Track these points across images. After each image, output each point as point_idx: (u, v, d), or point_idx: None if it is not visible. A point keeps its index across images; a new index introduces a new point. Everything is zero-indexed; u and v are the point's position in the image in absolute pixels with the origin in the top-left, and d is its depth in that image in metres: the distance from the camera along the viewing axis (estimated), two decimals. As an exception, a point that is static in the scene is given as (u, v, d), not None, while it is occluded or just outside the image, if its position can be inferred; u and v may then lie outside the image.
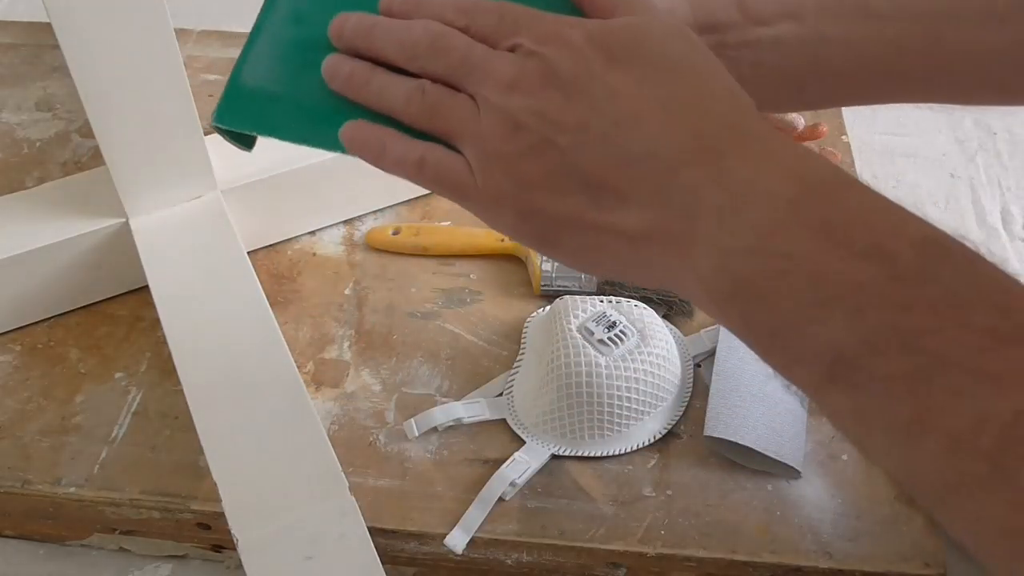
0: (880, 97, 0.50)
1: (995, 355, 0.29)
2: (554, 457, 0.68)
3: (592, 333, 0.67)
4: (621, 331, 0.68)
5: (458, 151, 0.41)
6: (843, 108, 0.94)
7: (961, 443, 0.29)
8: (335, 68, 0.44)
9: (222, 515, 0.59)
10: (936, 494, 0.31)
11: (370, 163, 0.43)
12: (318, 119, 0.44)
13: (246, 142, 0.46)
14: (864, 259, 0.32)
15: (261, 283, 0.71)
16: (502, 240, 0.80)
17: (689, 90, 0.37)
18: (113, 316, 0.78)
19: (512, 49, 0.40)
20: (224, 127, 0.45)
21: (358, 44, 0.43)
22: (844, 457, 0.68)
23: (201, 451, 0.62)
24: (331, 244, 0.83)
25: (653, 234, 0.36)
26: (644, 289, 0.75)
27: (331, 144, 0.44)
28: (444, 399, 0.71)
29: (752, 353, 0.73)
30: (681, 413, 0.70)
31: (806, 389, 0.34)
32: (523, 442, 0.68)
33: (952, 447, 0.29)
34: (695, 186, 0.35)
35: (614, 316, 0.69)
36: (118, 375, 0.74)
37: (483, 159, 0.39)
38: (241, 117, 0.45)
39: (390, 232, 0.82)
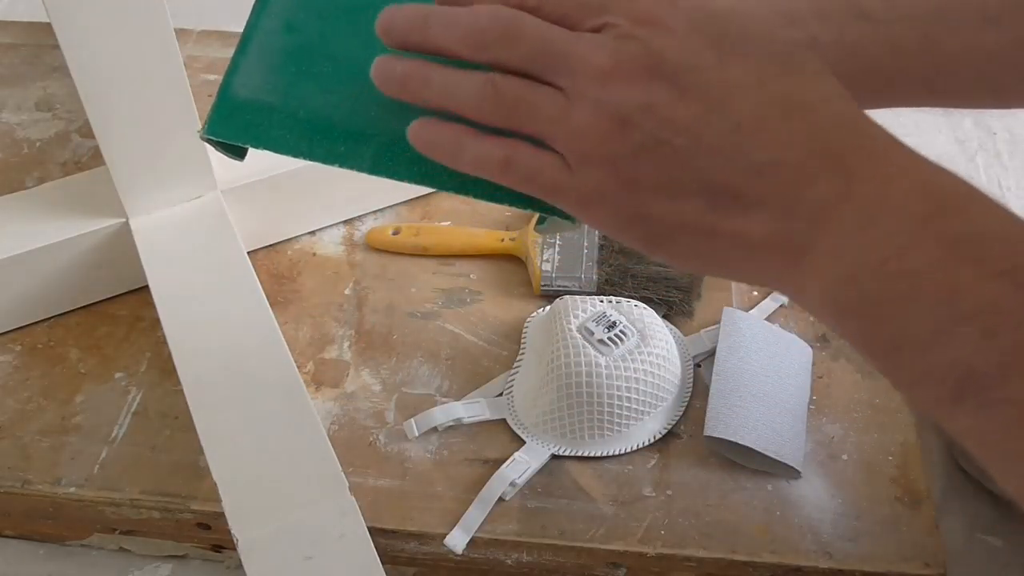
0: (875, 101, 0.49)
1: None
2: (554, 457, 0.68)
3: (592, 333, 0.67)
4: (621, 331, 0.68)
5: (546, 146, 0.37)
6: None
7: None
8: (387, 70, 0.39)
9: (222, 515, 0.59)
10: None
11: (445, 164, 0.39)
12: (316, 132, 0.42)
13: (237, 152, 0.45)
14: (999, 279, 0.30)
15: (261, 283, 0.71)
16: (502, 240, 0.80)
17: (805, 89, 0.34)
18: (113, 316, 0.78)
19: (598, 30, 0.35)
20: (216, 139, 0.43)
21: (412, 38, 0.38)
22: (844, 457, 0.68)
23: (201, 451, 0.62)
24: (331, 244, 0.83)
25: (775, 243, 0.34)
26: (645, 289, 0.75)
27: (330, 157, 0.42)
28: (444, 399, 0.71)
29: (752, 353, 0.73)
30: (681, 413, 0.70)
31: (929, 407, 0.33)
32: (523, 442, 0.68)
33: None
34: (823, 197, 0.33)
35: (614, 316, 0.69)
36: (118, 375, 0.74)
37: (582, 158, 0.35)
38: (234, 129, 0.43)
39: (390, 232, 0.82)
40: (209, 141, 0.44)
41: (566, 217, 0.40)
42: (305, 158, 0.42)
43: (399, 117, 0.40)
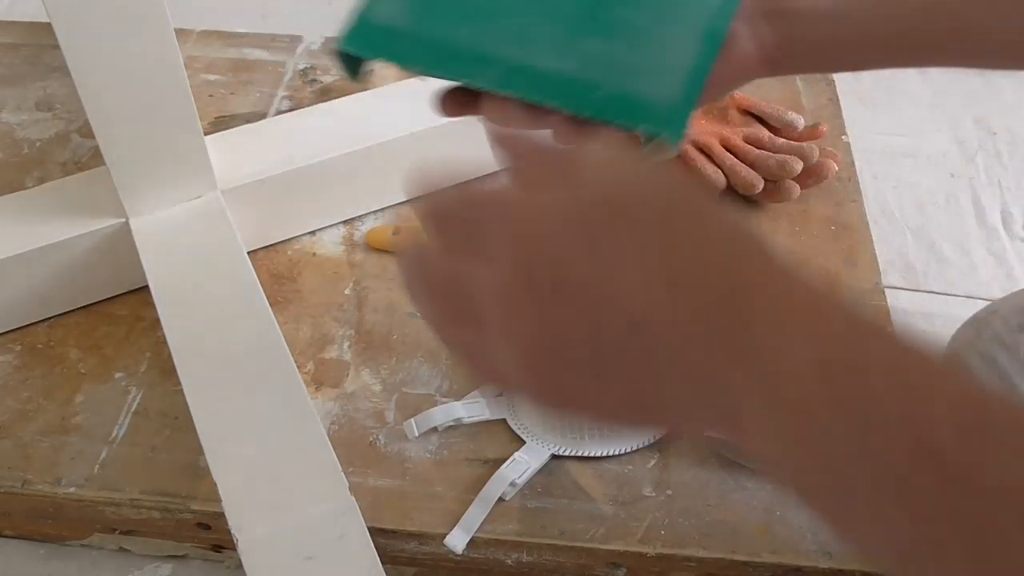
0: (911, 62, 0.52)
1: None
2: (554, 457, 0.68)
3: (592, 333, 0.67)
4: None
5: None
6: (843, 108, 0.94)
7: None
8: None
9: (222, 515, 0.59)
10: None
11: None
12: (446, 50, 0.46)
13: (356, 69, 0.48)
14: (909, 456, 0.29)
15: (261, 283, 0.71)
16: (502, 240, 0.80)
17: (689, 256, 0.32)
18: (113, 316, 0.78)
19: (482, 254, 0.35)
20: (351, 52, 0.46)
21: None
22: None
23: (201, 451, 0.62)
24: (331, 244, 0.83)
25: (704, 425, 0.34)
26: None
27: (458, 74, 0.46)
28: (444, 399, 0.71)
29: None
30: (681, 413, 0.69)
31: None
32: (523, 442, 0.68)
33: None
34: (729, 381, 0.31)
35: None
36: (118, 375, 0.74)
37: (513, 371, 0.35)
38: (369, 44, 0.46)
39: (390, 232, 0.82)
40: (339, 55, 0.47)
41: (668, 130, 0.44)
42: (435, 74, 0.46)
43: (521, 45, 0.46)
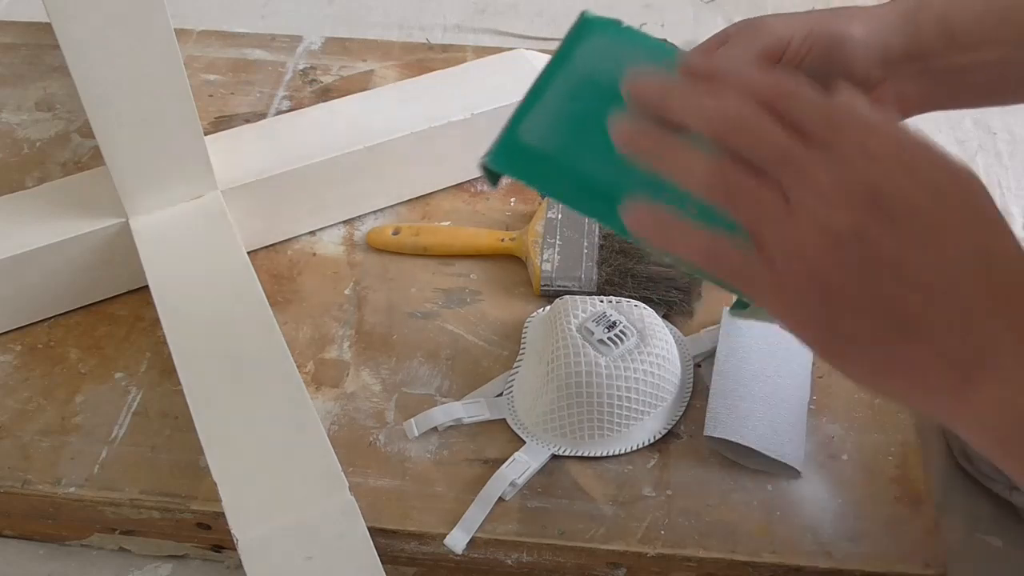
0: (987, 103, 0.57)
1: None
2: (554, 457, 0.68)
3: (592, 333, 0.67)
4: (621, 331, 0.68)
5: (746, 233, 0.40)
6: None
7: None
8: (620, 126, 0.43)
9: (222, 515, 0.59)
10: None
11: (652, 244, 0.42)
12: (583, 187, 0.48)
13: (495, 180, 0.50)
14: None
15: (261, 283, 0.71)
16: (502, 240, 0.80)
17: (994, 242, 0.39)
18: (113, 316, 0.78)
19: (828, 149, 0.39)
20: (495, 170, 0.49)
21: (653, 104, 0.42)
22: (844, 457, 0.68)
23: (201, 451, 0.62)
24: (331, 244, 0.83)
25: (946, 371, 0.38)
26: (645, 289, 0.75)
27: (590, 212, 0.48)
28: (444, 399, 0.71)
29: (752, 353, 0.73)
30: (681, 413, 0.70)
31: None
32: (523, 442, 0.68)
33: None
34: (995, 333, 0.37)
35: (614, 316, 0.69)
36: (118, 375, 0.74)
37: (790, 261, 0.39)
38: (514, 166, 0.49)
39: (390, 232, 0.82)
40: (484, 169, 0.49)
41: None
42: (570, 206, 0.49)
43: (653, 192, 0.44)
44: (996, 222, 0.39)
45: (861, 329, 0.39)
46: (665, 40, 0.54)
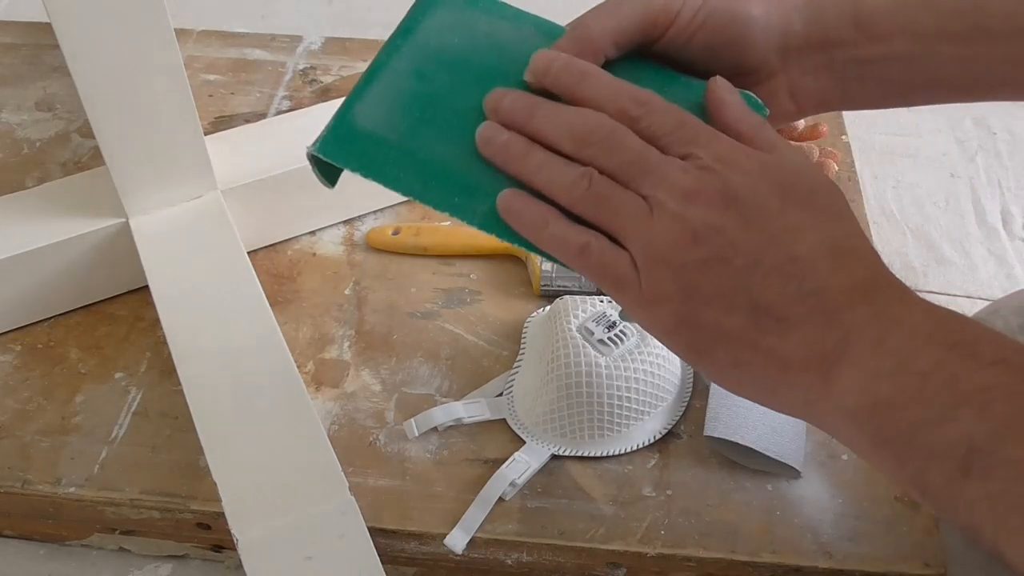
0: (982, 98, 0.53)
1: None
2: (554, 457, 0.68)
3: (592, 333, 0.68)
4: (621, 331, 0.68)
5: (619, 245, 0.42)
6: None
7: None
8: (490, 136, 0.44)
9: (222, 515, 0.59)
10: None
11: (525, 236, 0.43)
12: (431, 176, 0.43)
13: (332, 177, 0.46)
14: (991, 367, 0.37)
15: (261, 283, 0.71)
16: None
17: (847, 237, 0.41)
18: (113, 316, 0.78)
19: (684, 158, 0.41)
20: (325, 159, 0.44)
21: (517, 121, 0.44)
22: (844, 457, 0.68)
23: (201, 451, 0.62)
24: (331, 244, 0.83)
25: (807, 360, 0.40)
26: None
27: (442, 204, 0.43)
28: (444, 399, 0.71)
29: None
30: (681, 413, 0.70)
31: (943, 487, 0.37)
32: (523, 442, 0.68)
33: None
34: (854, 323, 0.39)
35: (614, 316, 0.69)
36: (118, 375, 0.74)
37: (652, 262, 0.40)
38: (347, 154, 0.44)
39: (390, 232, 0.82)
40: (313, 159, 0.44)
41: None
42: (416, 198, 0.43)
43: (514, 182, 0.43)
44: (848, 220, 0.41)
45: (722, 323, 0.40)
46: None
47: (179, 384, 0.65)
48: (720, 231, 0.39)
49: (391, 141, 0.44)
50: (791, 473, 0.66)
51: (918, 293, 0.40)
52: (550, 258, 0.43)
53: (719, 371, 0.42)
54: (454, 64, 0.45)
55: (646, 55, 0.47)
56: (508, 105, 0.44)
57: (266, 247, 0.82)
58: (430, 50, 0.46)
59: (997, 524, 0.36)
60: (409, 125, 0.44)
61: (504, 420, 0.70)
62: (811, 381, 0.40)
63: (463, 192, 0.43)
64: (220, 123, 0.91)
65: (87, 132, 0.90)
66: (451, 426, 0.69)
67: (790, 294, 0.39)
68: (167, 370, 0.73)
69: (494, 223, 0.43)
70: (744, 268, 0.39)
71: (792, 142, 0.87)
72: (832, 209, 0.41)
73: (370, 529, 0.59)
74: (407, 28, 0.46)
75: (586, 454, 0.67)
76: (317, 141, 0.44)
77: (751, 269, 0.39)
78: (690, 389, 0.71)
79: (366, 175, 0.44)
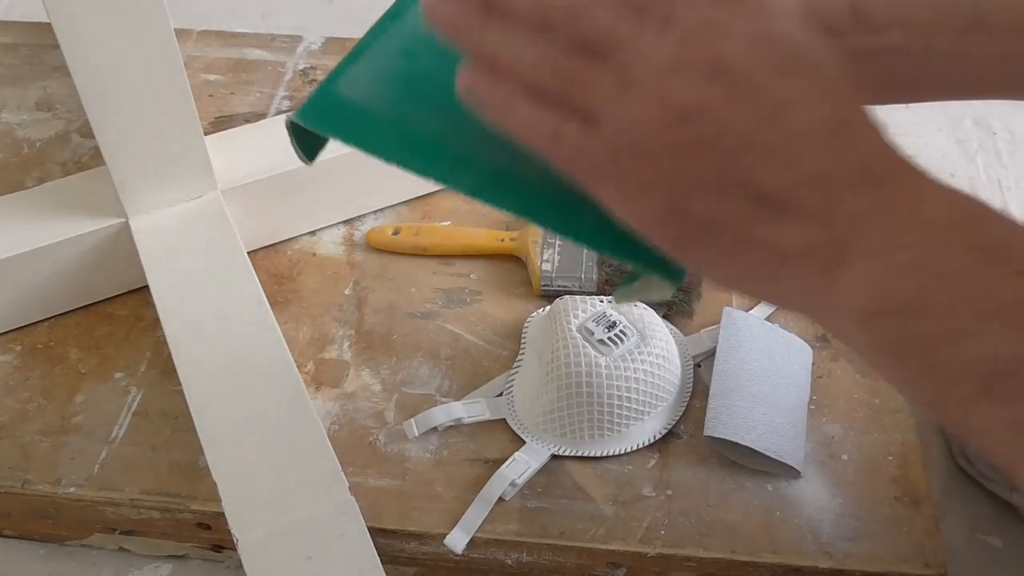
0: (982, 95, 0.52)
1: None
2: (554, 457, 0.68)
3: (592, 333, 0.67)
4: (621, 331, 0.68)
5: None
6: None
7: None
8: (435, 6, 0.39)
9: (222, 515, 0.59)
10: None
11: (493, 121, 0.39)
12: (418, 144, 0.42)
13: (310, 149, 0.45)
14: (1021, 277, 0.33)
15: (261, 283, 0.71)
16: (502, 240, 0.80)
17: (850, 113, 0.36)
18: (113, 316, 0.78)
19: (662, 23, 0.35)
20: (307, 126, 0.43)
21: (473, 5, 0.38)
22: (844, 457, 0.68)
23: (201, 451, 0.62)
24: (331, 244, 0.83)
25: (808, 251, 0.36)
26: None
27: (430, 171, 0.42)
28: (444, 399, 0.71)
29: (752, 353, 0.73)
30: (681, 413, 0.70)
31: (957, 406, 0.34)
32: (523, 442, 0.68)
33: None
34: (860, 210, 0.35)
35: (614, 316, 0.69)
36: (118, 375, 0.74)
37: (631, 146, 0.36)
38: (329, 122, 0.43)
39: (390, 232, 0.82)
40: (292, 128, 0.43)
41: (667, 277, 0.40)
42: (402, 166, 0.41)
43: (504, 151, 0.40)
44: (849, 94, 0.37)
45: (713, 211, 0.36)
46: None
47: (179, 384, 0.65)
48: (706, 108, 0.34)
49: (375, 110, 0.43)
50: (791, 473, 0.66)
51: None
52: (544, 225, 0.40)
53: (710, 265, 0.38)
54: (442, 45, 0.43)
55: None
56: None
57: (266, 247, 0.82)
58: (418, 32, 0.44)
59: (1016, 452, 0.33)
60: (394, 95, 0.43)
61: (504, 420, 0.70)
62: (812, 276, 0.36)
63: (451, 160, 0.42)
64: (220, 123, 0.91)
65: (87, 132, 0.90)
66: (451, 426, 0.69)
67: (787, 177, 0.35)
68: (167, 370, 0.73)
69: (485, 191, 0.42)
70: (735, 149, 0.35)
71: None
72: (831, 82, 0.36)
73: (370, 529, 0.59)
74: (395, 12, 0.46)
75: (586, 454, 0.67)
76: (298, 110, 0.43)
77: (743, 150, 0.35)
78: (690, 389, 0.71)
79: (347, 141, 0.42)
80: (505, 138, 0.39)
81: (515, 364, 0.73)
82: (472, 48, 0.39)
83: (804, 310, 0.38)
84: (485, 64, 0.38)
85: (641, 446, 0.68)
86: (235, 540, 0.58)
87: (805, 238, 0.35)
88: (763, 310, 0.75)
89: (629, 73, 0.35)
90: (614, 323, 0.68)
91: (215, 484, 0.60)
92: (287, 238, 0.83)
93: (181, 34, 0.87)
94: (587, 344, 0.67)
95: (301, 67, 0.98)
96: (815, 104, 0.35)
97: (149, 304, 0.72)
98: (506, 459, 0.67)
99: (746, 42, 0.35)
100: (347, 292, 0.79)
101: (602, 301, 0.70)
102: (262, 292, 0.70)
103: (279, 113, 0.92)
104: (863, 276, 0.35)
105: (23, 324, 0.77)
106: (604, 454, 0.67)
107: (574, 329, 0.68)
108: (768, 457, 0.65)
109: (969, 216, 0.35)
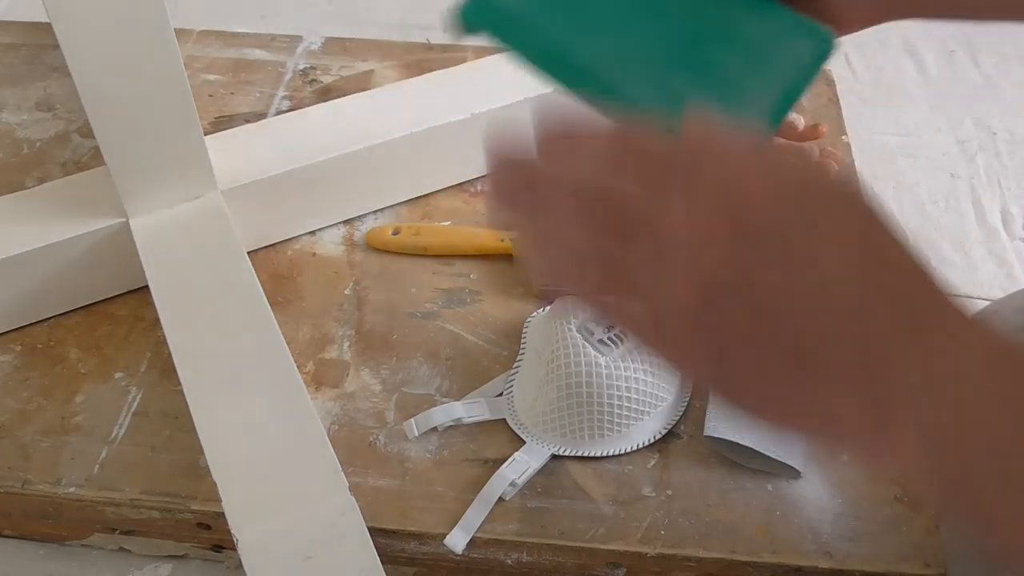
0: (1002, 16, 0.51)
1: None
2: (554, 457, 0.68)
3: (592, 333, 0.67)
4: (621, 331, 0.68)
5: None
6: (843, 108, 0.94)
7: None
8: (500, 182, 0.40)
9: (222, 515, 0.59)
10: None
11: (568, 288, 0.41)
12: (559, 53, 0.45)
13: (466, 32, 0.47)
14: None
15: (261, 283, 0.71)
16: (502, 240, 0.80)
17: (883, 255, 0.36)
18: (113, 316, 0.78)
19: (684, 193, 0.37)
20: (468, 24, 0.45)
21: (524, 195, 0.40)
22: (844, 457, 0.68)
23: (201, 451, 0.62)
24: (331, 244, 0.83)
25: (857, 409, 0.36)
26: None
27: (566, 79, 0.44)
28: (444, 399, 0.71)
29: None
30: (681, 413, 0.70)
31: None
32: (523, 442, 0.68)
33: None
34: (908, 382, 0.35)
35: (614, 316, 0.69)
36: (118, 375, 0.74)
37: (672, 312, 0.37)
38: (487, 20, 0.45)
39: (390, 232, 0.82)
40: (454, 19, 0.46)
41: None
42: (534, 65, 0.45)
43: (620, 66, 0.44)
44: (873, 223, 0.37)
45: (755, 364, 0.36)
46: None
47: (179, 384, 0.65)
48: (735, 267, 0.35)
49: (525, 13, 0.46)
50: (791, 473, 0.66)
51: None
52: None
53: (767, 415, 0.39)
54: None
55: None
56: (506, 178, 0.40)
57: (266, 247, 0.82)
58: None
59: None
60: (544, 6, 0.46)
61: (504, 420, 0.70)
62: (866, 432, 0.36)
63: (574, 68, 0.44)
64: (220, 123, 0.91)
65: (87, 132, 0.90)
66: (451, 426, 0.69)
67: (823, 330, 0.35)
68: (167, 370, 0.73)
69: (597, 99, 0.44)
70: (769, 302, 0.35)
71: (792, 142, 0.87)
72: (853, 217, 0.37)
73: (370, 529, 0.59)
74: None
75: (586, 454, 0.67)
76: (462, 5, 0.45)
77: (777, 302, 0.35)
78: (690, 389, 0.71)
79: (495, 37, 0.45)
80: (622, 54, 0.44)
81: (515, 364, 0.73)
82: (523, 229, 0.40)
83: (873, 466, 0.39)
84: (537, 238, 0.40)
85: (641, 446, 0.68)
86: (235, 540, 0.58)
87: (850, 398, 0.35)
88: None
89: (659, 248, 0.37)
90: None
91: (215, 484, 0.60)
92: (287, 238, 0.83)
93: (181, 34, 0.87)
94: (587, 344, 0.67)
95: (301, 67, 0.98)
96: (843, 247, 0.36)
97: (149, 304, 0.72)
98: (506, 459, 0.67)
99: (766, 197, 0.36)
100: (347, 292, 0.79)
101: (602, 301, 0.70)
102: (262, 292, 0.70)
103: (279, 113, 0.92)
104: (912, 446, 0.35)
105: (23, 324, 0.77)
106: (604, 454, 0.67)
107: (574, 329, 0.68)
108: (768, 457, 0.65)
109: (1010, 365, 0.35)
